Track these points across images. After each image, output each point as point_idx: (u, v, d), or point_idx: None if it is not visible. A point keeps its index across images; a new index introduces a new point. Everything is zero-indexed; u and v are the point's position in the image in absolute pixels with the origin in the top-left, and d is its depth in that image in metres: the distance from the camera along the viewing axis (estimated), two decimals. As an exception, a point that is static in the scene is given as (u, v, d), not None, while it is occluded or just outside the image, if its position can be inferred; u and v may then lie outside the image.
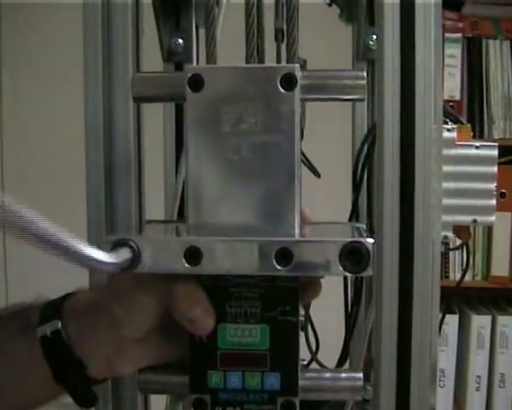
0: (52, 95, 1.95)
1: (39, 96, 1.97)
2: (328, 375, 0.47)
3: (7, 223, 0.30)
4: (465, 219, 0.56)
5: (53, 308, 0.48)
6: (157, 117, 0.66)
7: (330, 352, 0.65)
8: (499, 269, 1.80)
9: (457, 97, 1.79)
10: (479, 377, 1.78)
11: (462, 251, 1.49)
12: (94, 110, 0.48)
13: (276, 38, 0.51)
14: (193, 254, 0.41)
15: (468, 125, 0.57)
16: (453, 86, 1.79)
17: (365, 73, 0.44)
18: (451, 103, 1.75)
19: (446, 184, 0.54)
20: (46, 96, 1.97)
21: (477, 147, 0.56)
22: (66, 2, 1.78)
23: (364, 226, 0.48)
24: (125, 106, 0.48)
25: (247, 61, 0.47)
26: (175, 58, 0.65)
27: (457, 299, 1.76)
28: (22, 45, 1.98)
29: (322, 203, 0.67)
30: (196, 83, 0.42)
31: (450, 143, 0.55)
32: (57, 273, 1.77)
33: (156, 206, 0.62)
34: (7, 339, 0.49)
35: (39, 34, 1.96)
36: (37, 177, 1.97)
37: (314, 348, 0.62)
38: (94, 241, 0.48)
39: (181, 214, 0.63)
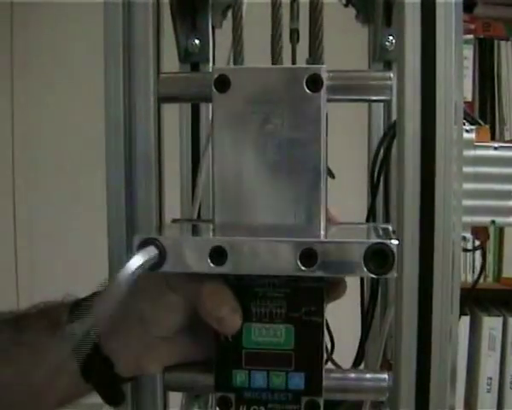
0: (64, 95, 1.96)
1: (52, 96, 1.98)
2: (352, 375, 0.48)
3: None
4: (483, 219, 0.56)
5: (82, 306, 0.48)
6: (173, 118, 0.66)
7: (342, 353, 0.65)
8: (511, 270, 1.79)
9: (469, 99, 1.79)
10: (490, 378, 1.77)
11: (474, 253, 1.49)
12: (115, 110, 0.48)
13: (291, 39, 0.52)
14: (218, 254, 0.42)
15: (487, 126, 0.56)
16: (465, 88, 1.78)
17: (392, 74, 0.44)
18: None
19: (465, 185, 0.54)
20: (58, 97, 1.97)
21: (495, 148, 0.56)
22: (75, 2, 1.79)
23: (390, 227, 0.48)
24: (145, 106, 0.48)
25: (273, 62, 0.47)
26: (191, 58, 0.65)
27: (468, 300, 1.75)
28: (34, 45, 1.99)
29: (337, 204, 0.67)
30: (223, 84, 0.43)
31: (469, 144, 0.55)
32: (67, 273, 1.78)
33: (172, 206, 0.62)
34: (35, 337, 0.50)
35: (51, 34, 1.97)
36: (53, 178, 1.97)
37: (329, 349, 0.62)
38: (114, 239, 0.49)
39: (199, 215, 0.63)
